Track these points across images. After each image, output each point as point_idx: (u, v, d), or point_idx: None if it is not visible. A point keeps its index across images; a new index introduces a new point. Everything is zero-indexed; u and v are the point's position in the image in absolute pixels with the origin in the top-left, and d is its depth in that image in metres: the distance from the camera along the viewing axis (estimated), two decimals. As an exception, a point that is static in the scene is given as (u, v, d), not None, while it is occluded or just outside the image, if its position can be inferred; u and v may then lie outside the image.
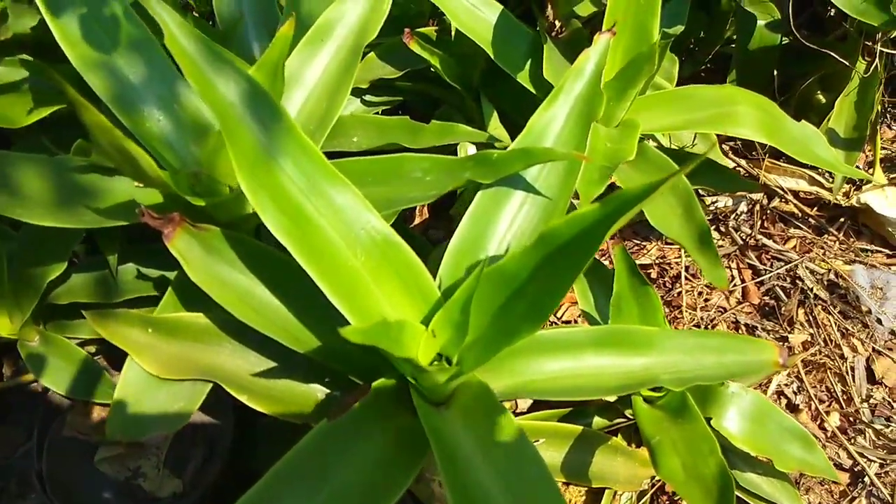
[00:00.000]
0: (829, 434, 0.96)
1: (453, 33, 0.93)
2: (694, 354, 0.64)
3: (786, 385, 1.00)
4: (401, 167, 0.66)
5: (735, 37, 1.15)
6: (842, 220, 1.15)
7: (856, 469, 0.93)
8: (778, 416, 0.79)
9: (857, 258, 1.11)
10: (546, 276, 0.52)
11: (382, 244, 0.58)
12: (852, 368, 1.00)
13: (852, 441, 0.95)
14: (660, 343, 0.63)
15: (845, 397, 0.99)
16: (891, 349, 1.02)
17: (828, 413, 0.98)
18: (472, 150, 0.89)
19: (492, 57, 0.86)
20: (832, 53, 1.02)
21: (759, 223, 1.14)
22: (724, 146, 1.19)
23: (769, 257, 1.12)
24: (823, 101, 1.16)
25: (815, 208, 1.17)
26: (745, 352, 0.66)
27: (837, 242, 1.13)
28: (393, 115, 0.86)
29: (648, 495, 0.89)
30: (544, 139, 0.67)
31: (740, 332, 1.05)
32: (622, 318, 0.76)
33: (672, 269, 1.11)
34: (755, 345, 0.66)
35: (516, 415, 0.85)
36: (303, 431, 0.60)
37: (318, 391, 0.63)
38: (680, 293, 1.08)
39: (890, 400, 0.98)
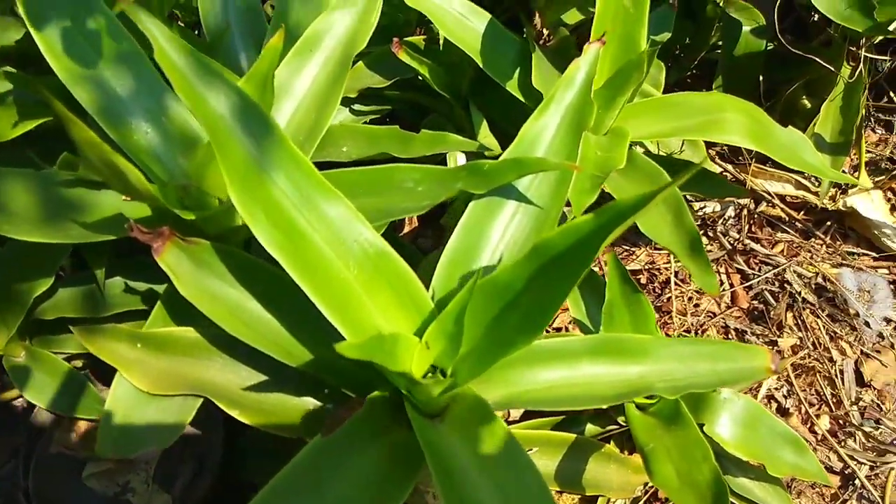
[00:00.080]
0: (819, 437, 0.96)
1: (441, 42, 0.93)
2: (687, 362, 0.64)
3: (776, 389, 1.00)
4: (392, 178, 0.66)
5: (720, 43, 1.16)
6: (828, 223, 1.16)
7: (846, 472, 0.94)
8: (770, 420, 0.79)
9: (845, 261, 1.11)
10: (540, 288, 0.52)
11: (375, 256, 0.58)
12: (841, 371, 1.01)
13: (842, 444, 0.96)
14: (654, 351, 0.63)
15: (835, 400, 0.99)
16: (879, 352, 1.03)
17: (818, 416, 0.98)
18: (461, 159, 0.89)
19: (480, 66, 0.86)
20: (817, 59, 1.03)
21: (746, 228, 1.15)
22: (710, 151, 1.20)
23: (757, 261, 1.12)
24: (809, 105, 1.17)
25: (802, 212, 1.17)
26: (737, 359, 0.66)
27: (824, 246, 1.14)
28: (382, 124, 0.86)
29: (642, 502, 0.89)
30: (536, 149, 0.67)
31: (730, 336, 1.05)
32: (614, 326, 0.76)
33: (661, 274, 1.12)
34: (747, 351, 0.67)
35: (508, 423, 0.85)
36: (291, 442, 0.60)
37: (311, 404, 0.62)
38: (670, 298, 1.08)
39: (878, 402, 0.99)
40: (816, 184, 1.16)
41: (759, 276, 1.10)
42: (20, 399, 0.81)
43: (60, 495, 0.73)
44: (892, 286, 1.08)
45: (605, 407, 0.82)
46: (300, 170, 0.57)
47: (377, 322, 0.57)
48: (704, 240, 1.16)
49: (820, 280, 1.09)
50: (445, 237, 0.65)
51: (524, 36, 0.91)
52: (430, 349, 0.56)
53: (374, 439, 0.54)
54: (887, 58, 1.09)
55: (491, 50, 0.87)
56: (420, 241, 1.09)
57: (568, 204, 0.69)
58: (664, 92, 0.97)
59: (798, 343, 1.03)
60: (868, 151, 1.22)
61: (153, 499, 0.74)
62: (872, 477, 0.93)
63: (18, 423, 0.78)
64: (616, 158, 0.75)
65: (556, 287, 0.51)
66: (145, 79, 0.67)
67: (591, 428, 0.82)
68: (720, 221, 1.16)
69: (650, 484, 0.85)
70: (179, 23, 1.01)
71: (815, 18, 1.17)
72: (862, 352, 1.03)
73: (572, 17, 0.99)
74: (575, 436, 0.77)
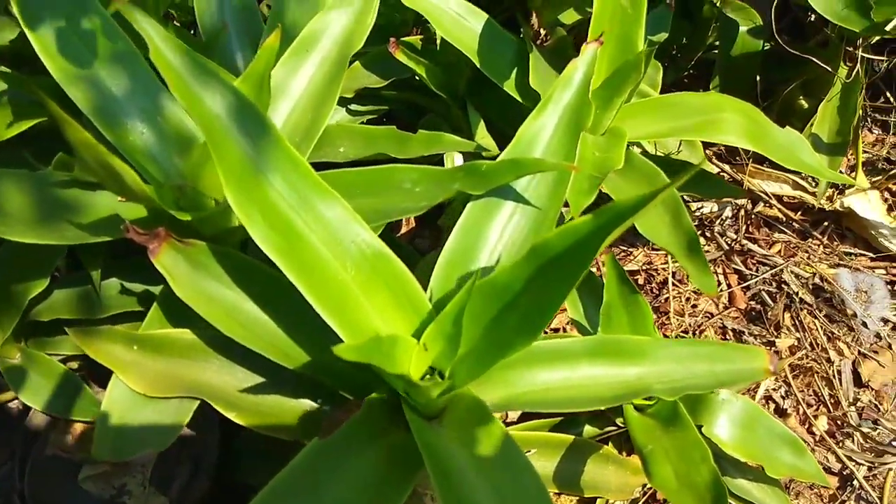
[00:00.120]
0: (817, 438, 0.96)
1: (438, 42, 0.92)
2: (685, 363, 0.64)
3: (774, 389, 1.00)
4: (390, 178, 0.66)
5: (717, 43, 1.16)
6: (825, 223, 1.16)
7: (844, 472, 0.94)
8: (768, 421, 0.79)
9: (842, 262, 1.11)
10: (539, 289, 0.51)
11: (372, 257, 0.57)
12: (839, 372, 1.01)
13: (840, 445, 0.95)
14: (652, 352, 0.63)
15: (833, 401, 0.99)
16: (876, 352, 1.03)
17: (816, 417, 0.98)
18: (459, 159, 0.89)
19: (478, 66, 0.85)
20: (814, 59, 1.02)
21: (743, 228, 1.15)
22: (707, 151, 1.20)
23: (754, 262, 1.12)
24: (806, 105, 1.17)
25: (799, 212, 1.17)
26: (735, 360, 0.66)
27: (822, 246, 1.14)
28: (378, 124, 0.86)
29: (640, 503, 0.89)
30: (534, 149, 0.67)
31: (728, 337, 1.05)
32: (612, 327, 0.76)
33: (659, 274, 1.11)
34: (746, 352, 0.66)
35: (506, 424, 0.85)
36: (284, 444, 0.60)
37: (308, 406, 0.62)
38: (667, 299, 1.08)
39: (876, 403, 0.99)
40: (813, 184, 1.16)
41: (757, 276, 1.10)
42: (15, 401, 0.80)
43: (56, 498, 0.73)
44: (889, 286, 1.08)
45: (603, 409, 0.82)
46: (297, 170, 0.56)
47: (375, 323, 0.56)
48: (702, 240, 1.16)
49: (817, 280, 1.09)
50: (443, 238, 0.65)
51: (521, 36, 0.91)
52: (429, 351, 0.56)
53: (371, 441, 0.54)
54: (884, 58, 1.09)
55: (488, 50, 0.86)
56: (417, 241, 1.09)
57: (566, 205, 0.69)
58: (661, 92, 0.97)
59: (796, 343, 1.03)
60: (865, 151, 1.22)
61: (150, 501, 0.73)
62: (870, 478, 0.93)
63: (14, 425, 0.78)
64: (614, 159, 0.75)
65: (554, 288, 0.51)
66: (141, 78, 0.66)
67: (589, 429, 0.82)
68: (717, 222, 1.16)
69: (649, 485, 0.85)
70: (175, 22, 1.01)
71: (812, 18, 1.17)
72: (859, 352, 1.03)
73: (569, 17, 0.99)
74: (573, 437, 0.77)
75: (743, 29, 1.10)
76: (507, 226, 0.64)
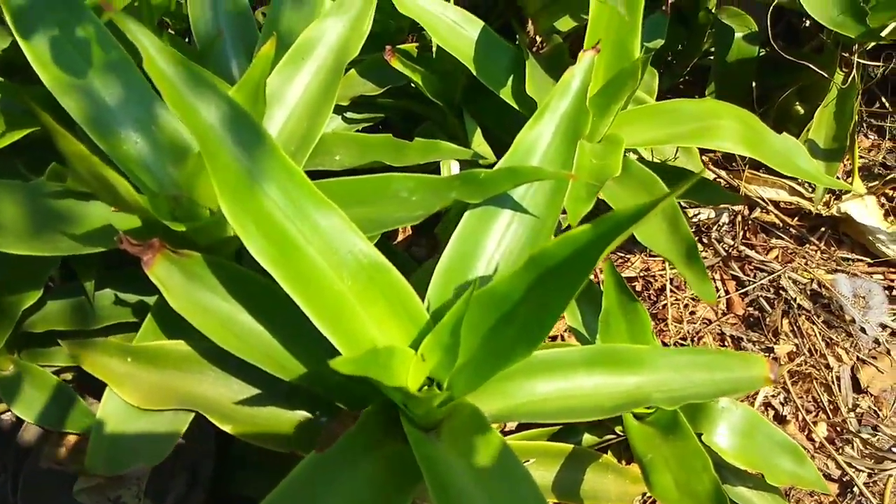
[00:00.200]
0: (817, 445, 0.96)
1: (434, 50, 0.92)
2: (684, 372, 0.64)
3: (773, 396, 1.00)
4: (386, 187, 0.65)
5: (713, 49, 1.16)
6: (822, 229, 1.16)
7: (844, 479, 0.93)
8: (768, 429, 0.78)
9: (839, 267, 1.11)
10: (537, 299, 0.51)
11: (369, 267, 0.57)
12: (838, 378, 1.01)
13: (840, 451, 0.95)
14: (651, 361, 0.63)
15: (832, 407, 0.99)
16: (875, 358, 1.03)
17: (815, 423, 0.98)
18: (455, 167, 0.88)
19: (474, 73, 0.85)
20: (810, 65, 1.02)
21: (741, 234, 1.15)
22: (703, 157, 1.20)
23: (752, 268, 1.12)
24: (802, 111, 1.17)
25: (796, 218, 1.17)
26: (735, 368, 0.65)
27: (819, 252, 1.14)
28: (374, 132, 0.85)
29: (639, 512, 0.88)
30: (531, 157, 0.67)
31: (726, 343, 1.05)
32: (611, 335, 0.75)
33: (656, 281, 1.11)
34: (745, 361, 0.66)
35: (504, 434, 0.84)
36: (278, 454, 0.59)
37: (304, 418, 0.61)
38: (665, 306, 1.07)
39: (875, 409, 0.99)
40: (810, 189, 1.16)
41: (755, 282, 1.10)
42: (8, 413, 0.80)
43: (50, 511, 0.72)
44: (886, 292, 1.08)
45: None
46: (292, 180, 0.56)
47: (372, 334, 0.56)
48: (699, 246, 1.15)
49: (815, 286, 1.08)
50: (440, 247, 0.64)
51: (517, 43, 0.91)
52: (426, 361, 0.55)
53: (369, 454, 0.53)
54: (880, 63, 1.09)
55: (484, 57, 0.86)
56: (414, 249, 1.08)
57: (563, 212, 0.68)
58: (657, 98, 0.97)
59: (794, 350, 1.03)
60: (861, 157, 1.22)
61: (145, 514, 0.72)
62: (871, 484, 0.92)
63: (6, 438, 0.77)
64: (611, 166, 0.74)
65: (553, 299, 0.50)
66: (135, 87, 0.66)
67: (588, 438, 0.81)
68: (714, 228, 1.16)
69: (648, 494, 0.85)
70: (170, 30, 1.01)
71: (807, 24, 1.17)
72: (858, 358, 1.02)
73: (565, 24, 0.98)
74: (572, 446, 0.77)
75: (738, 35, 1.10)
76: (504, 234, 0.64)
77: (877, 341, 1.04)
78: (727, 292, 1.10)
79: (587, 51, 0.73)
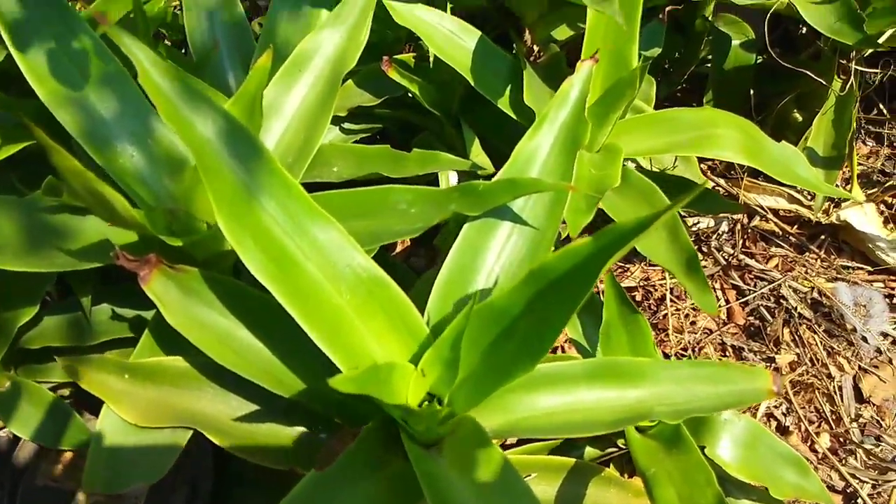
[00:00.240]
0: (820, 456, 0.95)
1: (431, 60, 0.92)
2: (686, 385, 0.63)
3: (775, 406, 0.99)
4: (385, 199, 0.65)
5: (710, 57, 1.16)
6: (822, 237, 1.16)
7: (848, 490, 0.93)
8: (771, 441, 0.77)
9: (840, 276, 1.11)
10: (538, 313, 0.50)
11: (368, 282, 0.56)
12: (840, 388, 1.00)
13: (843, 462, 0.94)
14: (652, 374, 0.62)
15: (834, 417, 0.98)
16: (877, 367, 1.02)
17: (818, 434, 0.97)
18: (454, 177, 0.88)
19: (471, 83, 0.85)
20: (807, 72, 1.02)
21: (740, 243, 1.14)
22: (702, 166, 1.19)
23: (752, 277, 1.12)
24: (800, 119, 1.17)
25: (796, 226, 1.17)
26: (737, 381, 0.65)
27: (819, 260, 1.13)
28: (372, 142, 0.85)
29: (642, 524, 0.87)
30: (530, 168, 0.66)
31: (727, 354, 1.04)
32: (612, 347, 0.75)
33: (656, 291, 1.11)
34: (748, 373, 0.65)
35: (505, 448, 0.83)
36: (275, 471, 0.58)
37: (304, 434, 0.61)
38: (665, 316, 1.07)
39: (878, 418, 0.98)
40: (809, 197, 1.16)
41: (755, 291, 1.09)
42: (4, 431, 0.79)
43: (46, 529, 0.71)
44: (887, 300, 1.07)
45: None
46: (289, 194, 0.55)
47: (371, 349, 0.55)
48: (699, 256, 1.15)
49: (816, 295, 1.08)
50: (439, 259, 0.64)
51: (514, 53, 0.90)
52: (427, 376, 0.55)
53: (369, 472, 0.53)
54: (877, 70, 1.09)
55: (481, 67, 0.86)
56: (412, 260, 1.08)
57: (563, 222, 0.68)
58: (655, 107, 0.97)
59: (796, 359, 1.03)
60: (860, 164, 1.22)
61: (143, 531, 0.71)
62: (875, 495, 0.92)
63: (3, 455, 0.76)
64: (611, 176, 0.74)
65: (554, 313, 0.49)
66: (130, 101, 0.65)
67: (590, 451, 0.80)
68: (714, 237, 1.15)
69: (650, 506, 0.84)
70: (166, 41, 1.00)
71: (804, 31, 1.17)
72: (860, 367, 1.02)
73: (562, 33, 0.98)
74: (574, 460, 0.76)
75: (735, 42, 1.10)
76: (504, 247, 0.63)
77: (878, 350, 1.03)
78: (727, 301, 1.10)
79: (585, 60, 0.73)
